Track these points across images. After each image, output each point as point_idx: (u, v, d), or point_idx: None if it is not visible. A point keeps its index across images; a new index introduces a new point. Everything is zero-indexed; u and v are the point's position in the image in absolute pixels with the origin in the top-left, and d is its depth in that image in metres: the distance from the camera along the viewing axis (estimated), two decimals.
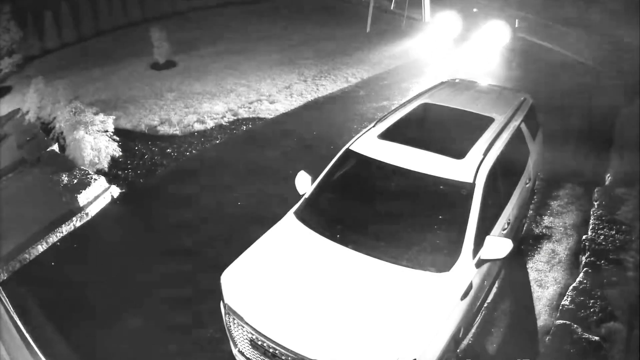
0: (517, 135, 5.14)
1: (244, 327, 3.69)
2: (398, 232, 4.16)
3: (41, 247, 5.70)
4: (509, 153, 4.91)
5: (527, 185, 5.42)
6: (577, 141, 8.29)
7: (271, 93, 9.99)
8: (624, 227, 6.05)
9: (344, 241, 4.07)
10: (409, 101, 5.51)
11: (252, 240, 4.27)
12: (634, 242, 5.79)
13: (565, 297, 4.97)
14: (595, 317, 4.74)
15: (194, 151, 7.80)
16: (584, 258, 5.52)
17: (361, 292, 3.71)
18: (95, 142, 7.14)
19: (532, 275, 5.37)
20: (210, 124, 8.69)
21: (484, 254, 3.94)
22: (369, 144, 4.68)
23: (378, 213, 4.40)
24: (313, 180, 4.66)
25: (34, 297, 4.97)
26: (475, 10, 15.66)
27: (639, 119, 9.03)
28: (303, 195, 4.62)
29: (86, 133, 7.10)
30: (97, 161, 7.11)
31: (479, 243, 3.99)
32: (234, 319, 3.76)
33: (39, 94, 8.30)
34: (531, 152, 5.53)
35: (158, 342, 4.49)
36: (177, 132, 8.40)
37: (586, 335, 4.51)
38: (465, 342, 4.36)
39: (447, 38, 13.95)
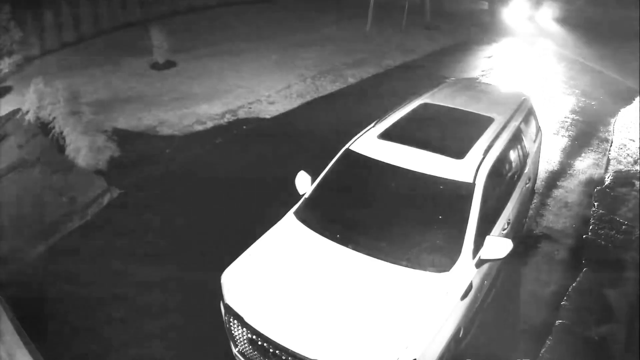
0: (517, 135, 5.14)
1: (244, 327, 3.69)
2: (398, 232, 4.15)
3: (41, 247, 5.70)
4: (509, 153, 4.91)
5: (527, 185, 5.42)
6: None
7: (270, 93, 9.99)
8: (624, 227, 6.06)
9: (343, 241, 4.07)
10: (409, 101, 5.51)
11: (251, 240, 4.28)
12: (634, 242, 5.79)
13: (565, 297, 4.97)
14: (595, 317, 4.75)
15: (193, 152, 7.79)
16: (584, 258, 5.53)
17: (361, 292, 3.71)
18: (95, 142, 7.13)
19: (532, 275, 5.37)
20: (209, 124, 8.67)
21: (484, 254, 3.94)
22: (369, 144, 4.68)
23: (378, 213, 4.39)
24: (313, 180, 4.66)
25: (34, 297, 4.96)
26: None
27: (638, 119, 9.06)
28: (303, 195, 4.63)
29: (86, 133, 7.09)
30: (97, 161, 7.10)
31: (479, 243, 3.99)
32: (234, 319, 3.76)
33: (38, 94, 8.28)
34: (531, 152, 5.53)
35: (159, 342, 4.48)
36: (177, 133, 8.38)
37: (586, 335, 4.52)
38: (465, 342, 4.35)
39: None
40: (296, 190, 4.65)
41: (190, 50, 12.30)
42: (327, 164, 4.79)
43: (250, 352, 3.75)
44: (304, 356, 3.39)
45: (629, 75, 11.53)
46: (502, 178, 4.74)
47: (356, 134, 4.88)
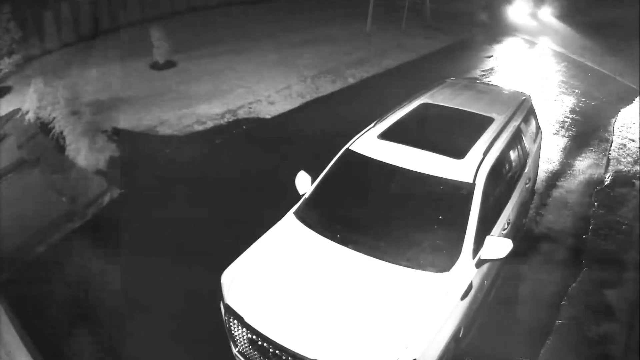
0: (517, 135, 5.14)
1: (244, 327, 3.69)
2: (398, 232, 4.15)
3: (41, 247, 5.70)
4: (509, 153, 4.91)
5: (527, 185, 5.42)
6: None
7: (270, 93, 9.98)
8: (624, 227, 6.06)
9: (343, 241, 4.07)
10: (409, 101, 5.51)
11: (251, 240, 4.27)
12: (634, 242, 5.80)
13: (565, 297, 4.97)
14: (595, 317, 4.75)
15: (193, 152, 7.78)
16: (584, 258, 5.53)
17: (361, 292, 3.71)
18: (95, 142, 7.13)
19: (532, 275, 5.36)
20: (209, 124, 8.67)
21: (484, 254, 3.94)
22: (369, 143, 4.68)
23: (378, 213, 4.39)
24: (313, 180, 4.66)
25: (34, 297, 4.96)
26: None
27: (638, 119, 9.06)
28: (303, 195, 4.62)
29: (86, 133, 7.10)
30: (97, 161, 7.10)
31: (479, 243, 3.99)
32: (234, 319, 3.76)
33: (38, 94, 8.29)
34: (531, 152, 5.53)
35: (158, 342, 4.48)
36: (177, 133, 8.38)
37: (586, 335, 4.52)
38: (465, 342, 4.35)
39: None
40: (296, 190, 4.66)
41: (190, 50, 12.28)
42: (327, 164, 4.79)
43: (250, 352, 3.75)
44: (304, 356, 3.39)
45: (629, 75, 11.53)
46: (502, 178, 4.74)
47: (356, 134, 4.88)
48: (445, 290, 3.73)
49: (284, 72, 11.15)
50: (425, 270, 3.83)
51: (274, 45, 12.96)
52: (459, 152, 4.43)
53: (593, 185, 7.03)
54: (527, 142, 5.42)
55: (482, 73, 11.73)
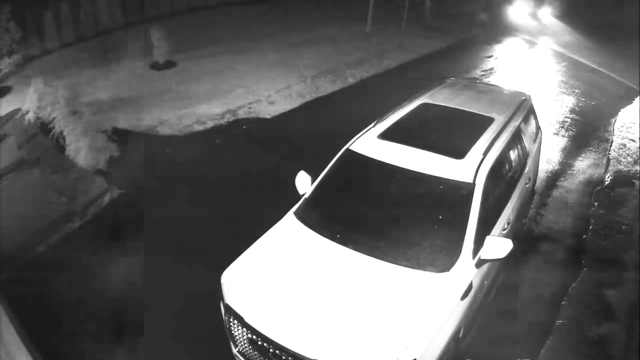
0: (517, 135, 5.14)
1: (244, 327, 3.69)
2: (398, 232, 4.15)
3: (41, 247, 5.70)
4: (509, 153, 4.91)
5: (527, 186, 5.42)
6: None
7: (270, 93, 9.98)
8: (624, 227, 6.06)
9: (343, 241, 4.07)
10: (409, 101, 5.51)
11: (251, 240, 4.27)
12: (634, 242, 5.80)
13: (565, 297, 4.97)
14: (595, 317, 4.75)
15: (193, 152, 7.78)
16: (584, 258, 5.53)
17: (361, 292, 3.71)
18: (95, 142, 7.12)
19: (532, 275, 5.36)
20: (209, 124, 8.66)
21: (484, 254, 3.94)
22: (369, 143, 4.68)
23: (378, 213, 4.39)
24: (313, 180, 4.66)
25: (34, 297, 4.96)
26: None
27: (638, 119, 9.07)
28: (303, 195, 4.62)
29: (86, 133, 7.09)
30: (97, 161, 7.10)
31: (479, 243, 3.99)
32: (234, 319, 3.76)
33: (38, 94, 8.28)
34: (531, 152, 5.52)
35: (158, 343, 4.48)
36: (177, 133, 8.38)
37: (586, 335, 4.52)
38: (465, 342, 4.35)
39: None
40: (296, 190, 4.66)
41: (190, 50, 12.28)
42: (327, 164, 4.79)
43: (250, 352, 3.75)
44: (304, 356, 3.39)
45: (629, 75, 11.54)
46: (502, 178, 4.74)
47: (356, 134, 4.88)
48: (445, 290, 3.72)
49: (284, 72, 11.15)
50: (425, 270, 3.83)
51: (274, 45, 12.95)
52: (459, 152, 4.43)
53: (593, 185, 7.04)
54: (527, 142, 5.42)
55: (482, 73, 11.74)
